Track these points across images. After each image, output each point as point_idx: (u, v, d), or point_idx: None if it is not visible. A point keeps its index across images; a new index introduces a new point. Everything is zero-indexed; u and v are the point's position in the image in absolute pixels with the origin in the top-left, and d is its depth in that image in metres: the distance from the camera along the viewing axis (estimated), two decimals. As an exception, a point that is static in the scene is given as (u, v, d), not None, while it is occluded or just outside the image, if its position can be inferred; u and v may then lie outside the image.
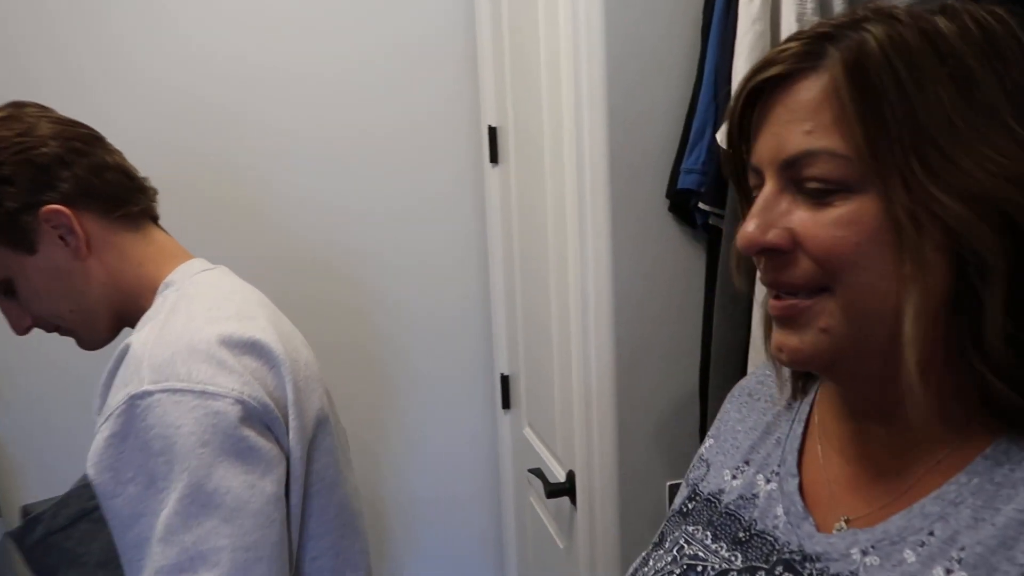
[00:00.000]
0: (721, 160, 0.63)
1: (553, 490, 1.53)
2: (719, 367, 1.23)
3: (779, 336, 0.56)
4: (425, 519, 2.11)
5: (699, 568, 0.62)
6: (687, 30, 1.24)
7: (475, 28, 1.91)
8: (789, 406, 0.69)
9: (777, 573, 0.58)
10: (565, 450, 1.57)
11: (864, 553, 0.54)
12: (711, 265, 1.28)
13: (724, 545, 0.63)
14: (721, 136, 1.11)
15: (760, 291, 1.15)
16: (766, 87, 0.55)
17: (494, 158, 1.92)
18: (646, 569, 0.67)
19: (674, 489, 1.35)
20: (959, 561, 0.49)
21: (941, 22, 0.50)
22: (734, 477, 0.69)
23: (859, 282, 0.51)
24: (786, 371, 0.68)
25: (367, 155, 1.92)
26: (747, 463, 0.69)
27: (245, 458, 0.79)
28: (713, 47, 1.19)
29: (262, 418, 0.83)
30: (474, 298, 2.06)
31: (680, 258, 1.30)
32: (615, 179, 1.25)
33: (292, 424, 0.86)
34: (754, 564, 0.60)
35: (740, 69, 1.09)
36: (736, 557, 0.62)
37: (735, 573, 0.60)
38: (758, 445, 0.69)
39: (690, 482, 0.75)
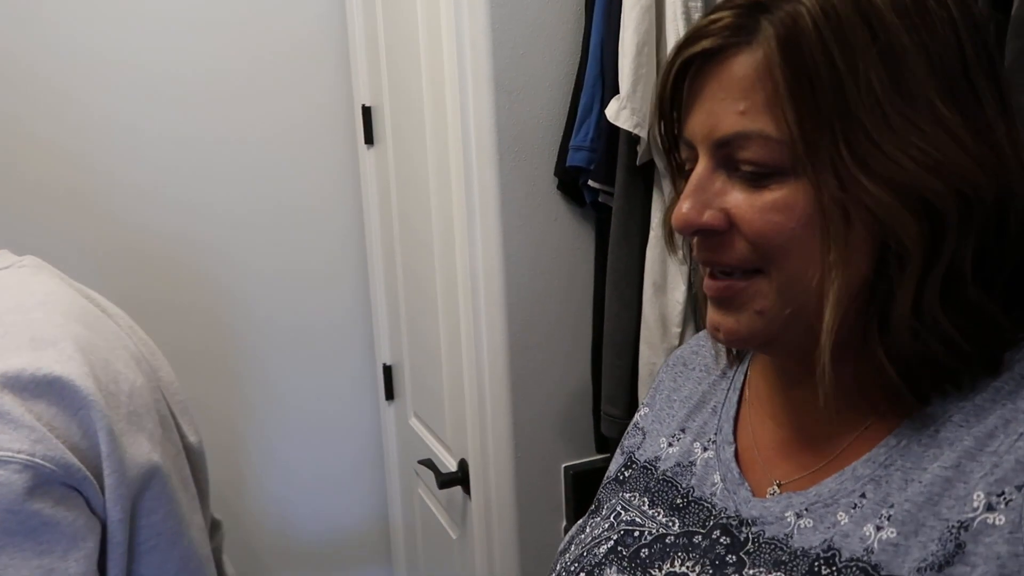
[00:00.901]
0: (650, 132, 0.62)
1: (446, 480, 1.49)
2: (611, 345, 1.22)
3: (715, 316, 0.56)
4: (304, 518, 2.01)
5: (636, 533, 0.62)
6: (572, 3, 1.22)
7: (345, 4, 1.82)
8: (723, 375, 0.70)
9: (714, 537, 0.58)
10: (456, 439, 1.53)
11: (798, 516, 0.54)
12: (601, 244, 1.28)
13: (661, 511, 0.63)
14: (611, 112, 1.10)
15: (654, 270, 1.16)
16: (696, 60, 0.53)
17: (369, 139, 1.84)
18: (583, 536, 0.66)
19: (570, 471, 1.34)
20: (888, 519, 0.49)
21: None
22: (670, 445, 0.69)
23: (791, 266, 0.51)
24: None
25: (231, 139, 1.80)
26: (683, 431, 0.69)
27: (38, 537, 0.63)
28: (598, 21, 1.17)
29: (62, 481, 0.65)
30: (352, 286, 1.98)
31: (570, 237, 1.28)
32: (503, 157, 1.22)
33: (108, 481, 0.68)
34: (691, 529, 0.60)
35: (627, 43, 1.08)
36: (673, 523, 0.61)
37: (672, 538, 0.60)
38: (694, 413, 0.69)
39: (625, 450, 0.74)
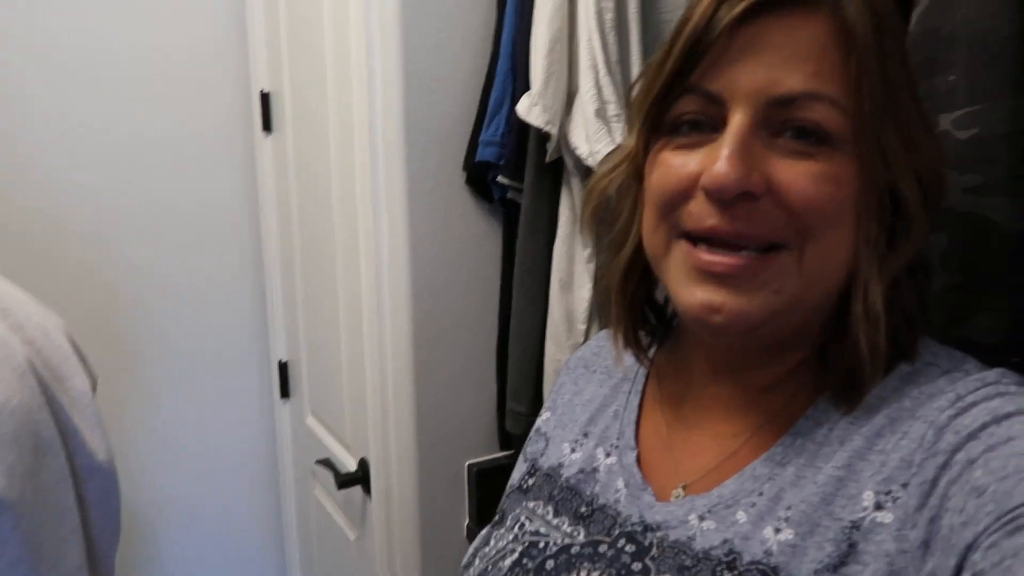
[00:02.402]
0: (640, 85, 0.56)
1: (345, 480, 1.45)
2: (517, 341, 1.22)
3: (713, 295, 0.50)
4: (193, 521, 1.91)
5: (541, 544, 0.60)
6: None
7: (243, -18, 1.74)
8: (624, 377, 0.69)
9: (619, 546, 0.57)
10: (356, 437, 1.49)
11: (701, 518, 0.54)
12: (508, 240, 1.27)
13: (566, 520, 0.62)
14: (522, 109, 1.09)
15: (561, 267, 1.16)
16: (753, 5, 0.49)
17: (267, 126, 1.77)
18: (487, 549, 0.64)
19: (473, 468, 1.33)
20: (786, 520, 0.50)
21: None
22: (573, 451, 0.67)
23: (828, 242, 0.49)
24: (624, 339, 0.65)
25: (118, 121, 1.69)
26: (585, 436, 0.67)
27: None
28: (511, 16, 1.16)
29: None
30: (245, 279, 1.89)
31: (478, 232, 1.27)
32: (411, 149, 1.19)
33: None
34: (596, 538, 0.59)
35: (540, 40, 1.07)
36: (578, 532, 0.60)
37: (577, 548, 0.58)
38: (596, 418, 0.68)
39: (528, 456, 0.72)
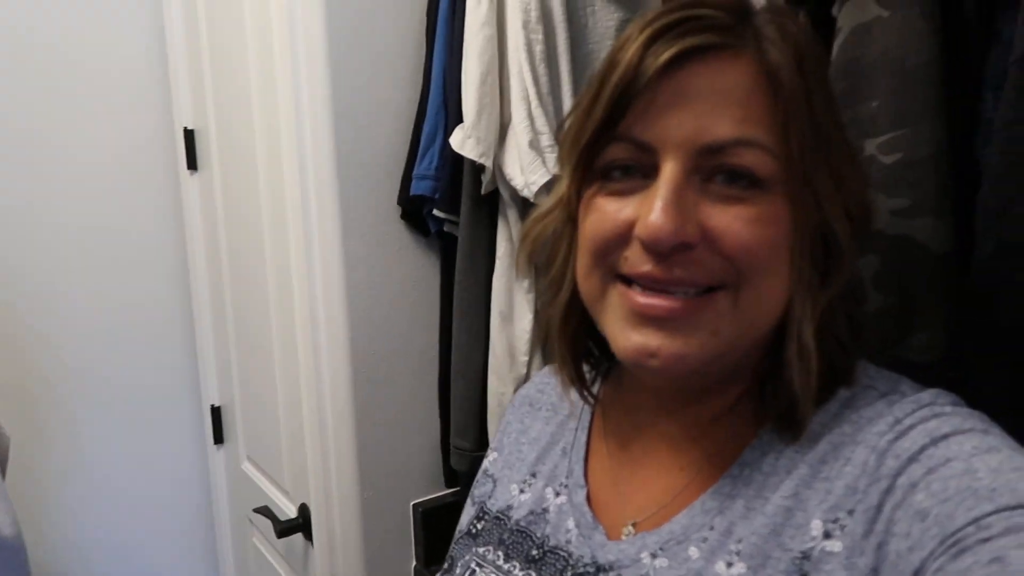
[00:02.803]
0: (569, 128, 0.54)
1: (285, 528, 1.39)
2: (460, 377, 1.20)
3: (650, 338, 0.49)
4: (125, 573, 1.82)
5: None
6: (412, 30, 1.20)
7: (163, 22, 1.70)
8: (571, 414, 0.67)
9: None
10: (296, 482, 1.44)
11: (653, 556, 0.53)
12: (447, 273, 1.25)
13: (517, 564, 0.60)
14: (456, 142, 1.08)
15: (500, 300, 1.15)
16: (681, 53, 0.48)
17: (192, 164, 1.72)
18: None
19: (419, 508, 1.30)
20: (738, 553, 0.49)
21: (806, 29, 0.51)
22: (522, 491, 0.65)
23: (764, 284, 0.49)
24: (568, 378, 0.64)
25: (37, 155, 1.61)
26: (534, 476, 0.66)
27: None
28: (440, 50, 1.16)
29: None
30: (174, 321, 1.83)
31: (415, 267, 1.25)
32: (344, 186, 1.17)
33: None
34: None
35: (471, 73, 1.07)
36: None
37: None
38: (544, 457, 0.66)
39: (476, 500, 0.70)
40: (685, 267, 0.48)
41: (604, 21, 1.15)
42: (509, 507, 0.65)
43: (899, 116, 0.65)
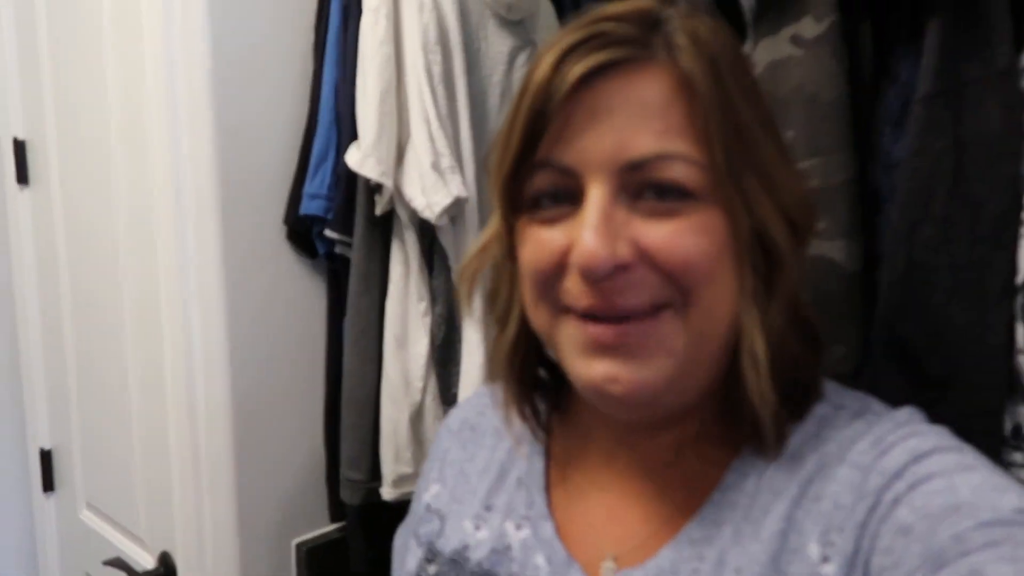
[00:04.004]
0: (504, 159, 0.51)
1: (145, 580, 1.26)
2: (352, 404, 1.15)
3: (607, 368, 0.48)
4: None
5: None
6: (299, 44, 1.15)
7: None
8: (520, 438, 0.62)
9: None
10: (155, 529, 1.31)
11: None
12: (335, 297, 1.20)
13: None
14: (354, 161, 1.05)
15: (395, 324, 1.11)
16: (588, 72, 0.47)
17: (23, 178, 1.54)
18: None
19: (303, 547, 1.22)
20: None
21: (720, 31, 0.50)
22: (477, 528, 0.60)
23: (709, 297, 0.47)
24: (520, 415, 0.60)
25: None
26: (488, 509, 0.60)
27: None
28: (331, 66, 1.12)
29: None
30: (-6, 356, 1.61)
31: (302, 291, 1.19)
32: (226, 205, 1.09)
33: None
34: None
35: (370, 91, 1.04)
36: None
37: None
38: (496, 488, 0.61)
39: (423, 540, 0.63)
40: (625, 293, 0.47)
41: (497, 46, 1.16)
42: (466, 547, 0.59)
43: (813, 146, 0.71)
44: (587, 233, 0.46)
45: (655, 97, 0.47)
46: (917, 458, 0.45)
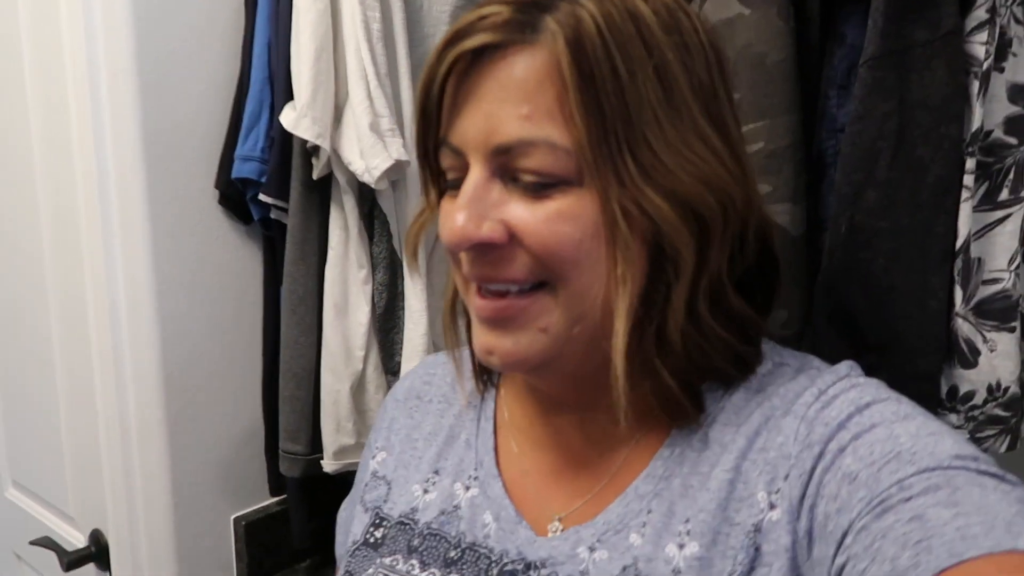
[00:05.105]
0: (417, 138, 0.54)
1: (74, 559, 1.22)
2: (290, 375, 1.11)
3: (488, 338, 0.51)
4: None
5: None
6: (228, 0, 1.09)
7: None
8: (469, 403, 0.64)
9: None
10: (85, 506, 1.26)
11: (592, 549, 0.52)
12: (271, 264, 1.16)
13: (436, 571, 0.56)
14: (288, 121, 1.00)
15: (335, 291, 1.08)
16: (467, 56, 0.48)
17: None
18: None
19: (241, 522, 1.19)
20: (688, 533, 0.49)
21: (642, 6, 0.48)
22: (426, 491, 0.61)
23: (578, 280, 0.49)
24: (467, 369, 0.63)
25: None
26: (437, 473, 0.61)
27: None
28: (263, 22, 1.06)
29: None
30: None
31: (235, 259, 1.14)
32: (152, 168, 1.03)
33: None
34: None
35: (304, 49, 0.99)
36: None
37: None
38: (445, 451, 0.62)
39: (369, 506, 0.64)
40: (497, 267, 0.49)
41: (439, 4, 1.11)
42: (414, 510, 0.61)
43: (760, 108, 0.70)
44: (456, 209, 0.49)
45: (526, 80, 0.47)
46: (859, 409, 0.47)
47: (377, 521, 0.62)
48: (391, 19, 1.04)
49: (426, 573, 0.56)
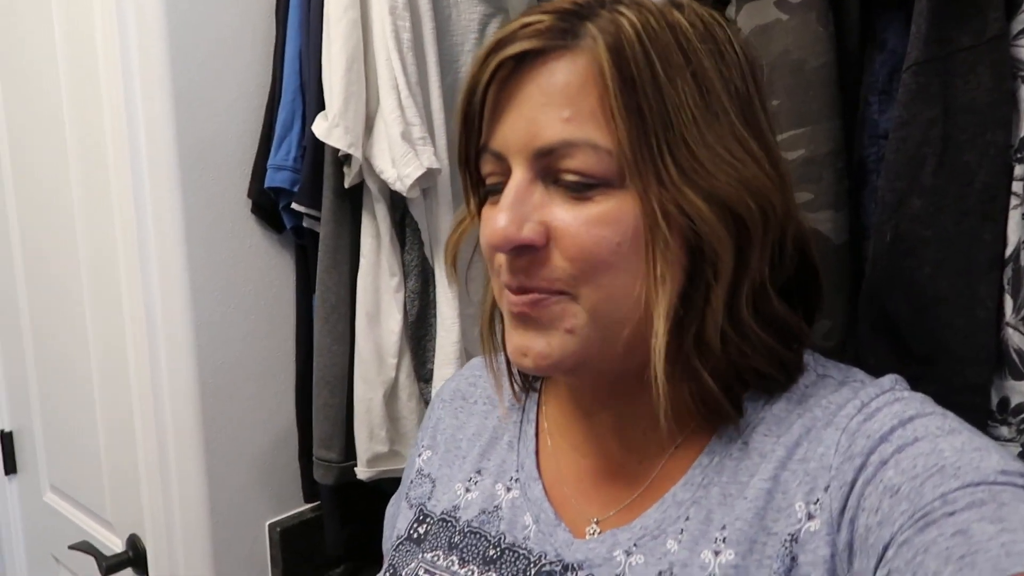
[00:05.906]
0: (459, 145, 0.54)
1: (113, 563, 1.23)
2: (323, 383, 1.12)
3: (521, 339, 0.51)
4: None
5: None
6: (260, 10, 1.10)
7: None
8: (512, 405, 0.65)
9: None
10: (122, 512, 1.28)
11: (628, 553, 0.52)
12: (304, 273, 1.16)
13: (475, 569, 0.57)
14: (321, 131, 1.01)
15: (367, 300, 1.08)
16: (509, 63, 0.49)
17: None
18: None
19: (276, 528, 1.20)
20: (724, 540, 0.49)
21: (679, 16, 0.49)
22: (468, 490, 0.62)
23: (613, 284, 0.49)
24: (505, 373, 0.63)
25: None
26: (479, 473, 0.63)
27: None
28: (295, 32, 1.07)
29: None
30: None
31: (268, 267, 1.15)
32: (187, 178, 1.04)
33: None
34: None
35: (336, 58, 1.00)
36: None
37: None
38: (488, 452, 0.64)
39: (413, 502, 0.66)
40: (531, 270, 0.50)
41: (467, 14, 1.12)
42: (456, 508, 0.62)
43: (799, 115, 0.69)
44: (498, 211, 0.49)
45: (568, 84, 0.48)
46: (903, 422, 0.47)
47: (420, 517, 0.64)
48: (421, 28, 1.04)
49: (465, 570, 0.57)
